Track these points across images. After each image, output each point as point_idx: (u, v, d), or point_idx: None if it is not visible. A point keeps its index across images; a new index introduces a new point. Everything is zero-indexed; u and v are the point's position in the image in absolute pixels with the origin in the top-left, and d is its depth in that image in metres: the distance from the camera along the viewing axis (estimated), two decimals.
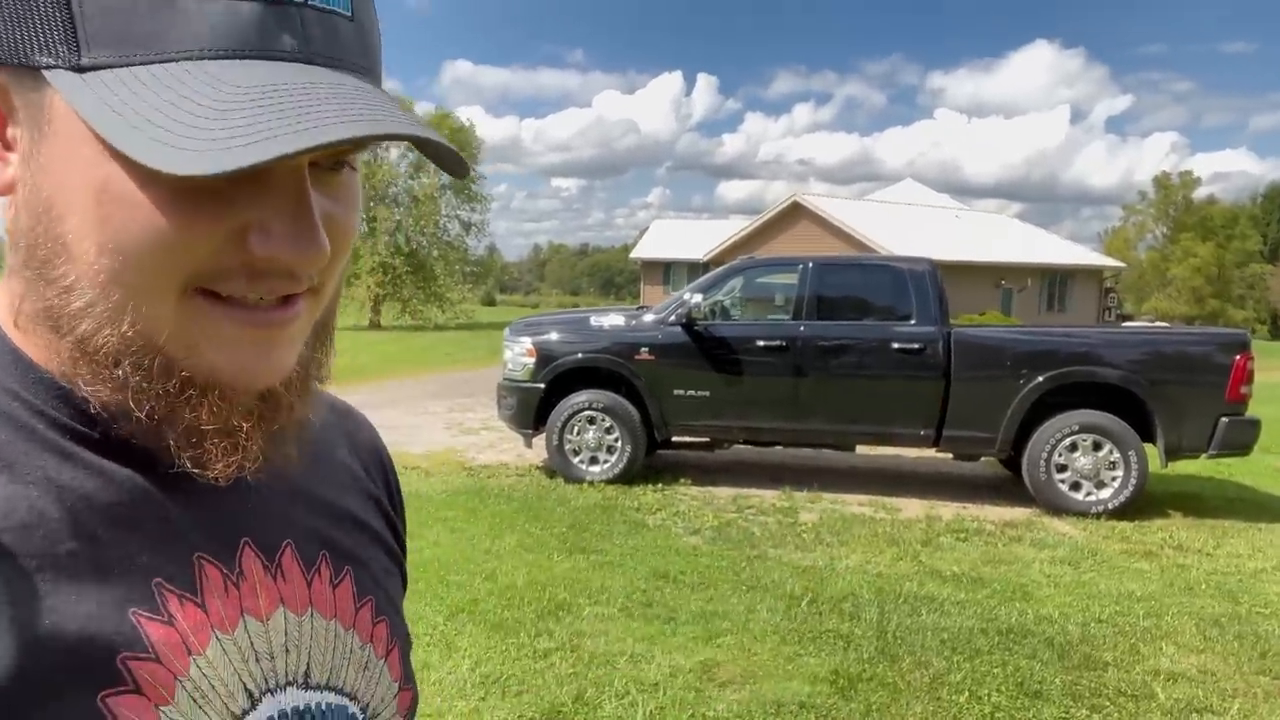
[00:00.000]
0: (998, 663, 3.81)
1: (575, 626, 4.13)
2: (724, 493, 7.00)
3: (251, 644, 0.50)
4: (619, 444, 7.06)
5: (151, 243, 0.42)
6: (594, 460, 7.12)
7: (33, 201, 0.44)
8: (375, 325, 31.20)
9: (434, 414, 11.14)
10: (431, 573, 4.81)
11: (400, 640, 0.61)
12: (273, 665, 0.51)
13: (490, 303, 68.20)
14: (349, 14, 0.45)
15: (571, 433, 7.11)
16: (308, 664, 0.53)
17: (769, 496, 6.92)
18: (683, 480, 7.27)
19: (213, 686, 0.47)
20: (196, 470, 0.46)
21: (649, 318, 7.30)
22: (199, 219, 0.42)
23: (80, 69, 0.41)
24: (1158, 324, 26.55)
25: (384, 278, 31.52)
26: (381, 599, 0.60)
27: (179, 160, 0.37)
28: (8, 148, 0.45)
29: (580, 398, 7.08)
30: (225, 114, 0.39)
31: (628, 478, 7.06)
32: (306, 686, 0.52)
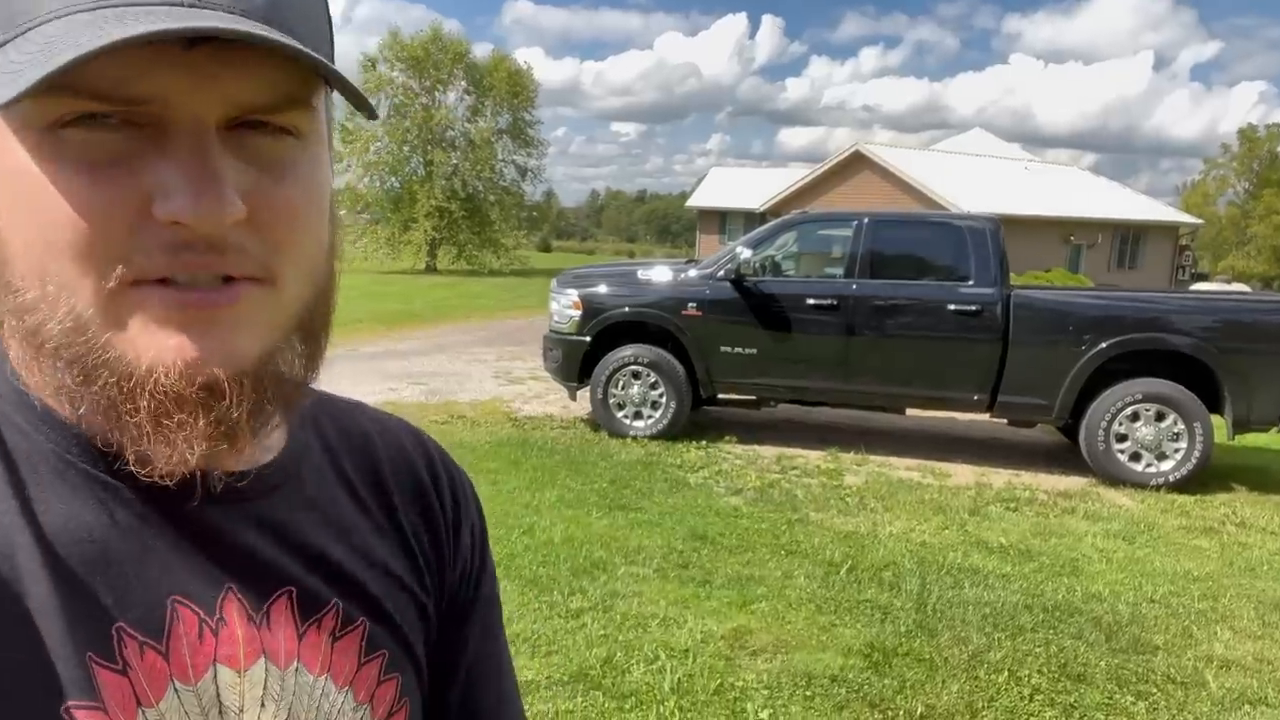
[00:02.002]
0: (1040, 642, 3.69)
1: (609, 586, 4.11)
2: (769, 452, 6.91)
3: (218, 695, 0.47)
4: (663, 400, 7.00)
5: (62, 221, 0.41)
6: (638, 415, 7.08)
7: None
8: (431, 269, 31.45)
9: (483, 362, 11.20)
10: None
11: (413, 699, 0.57)
12: (241, 719, 0.48)
13: (546, 249, 68.26)
14: None
15: (616, 387, 7.07)
16: None
17: (814, 457, 6.82)
18: (727, 438, 7.19)
19: None
20: (142, 470, 0.44)
21: (697, 272, 7.17)
22: (100, 188, 0.40)
23: None
24: (1233, 284, 25.48)
25: (440, 222, 31.67)
26: (399, 655, 0.56)
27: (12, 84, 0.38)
28: None
29: (625, 352, 7.01)
30: (54, 39, 0.38)
31: (671, 434, 7.00)
32: None
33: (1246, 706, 3.26)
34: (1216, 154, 62.54)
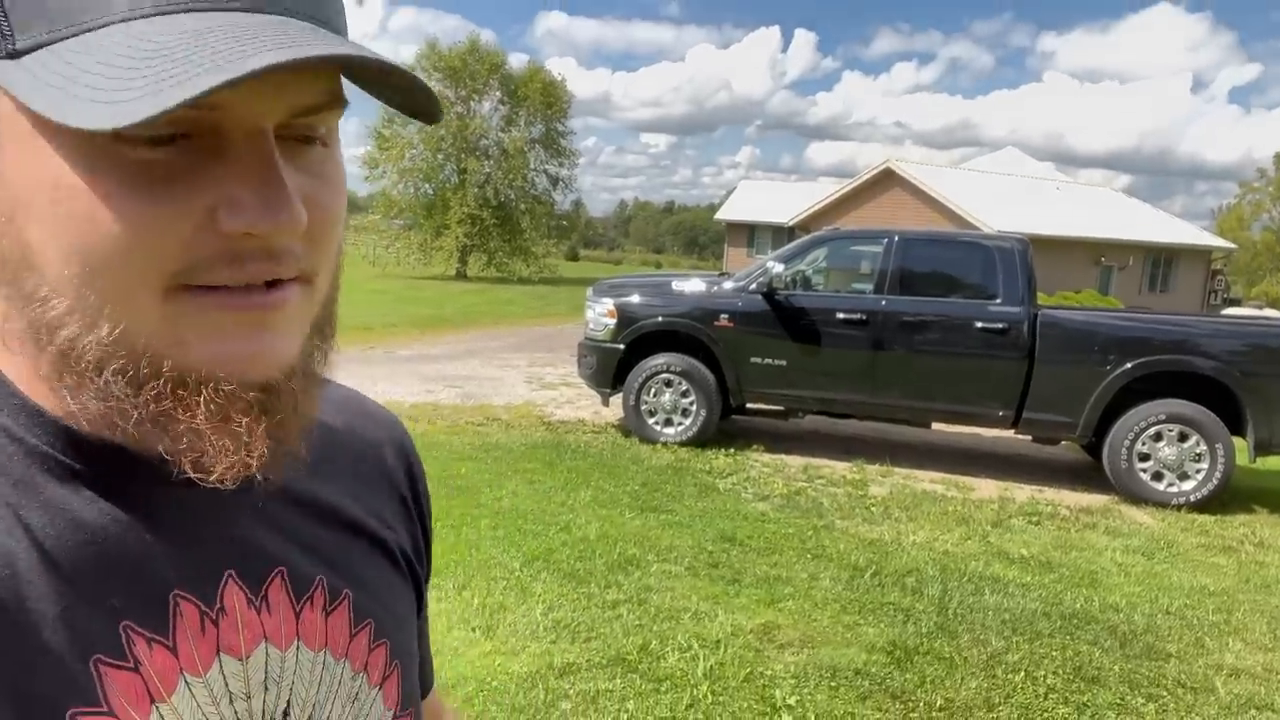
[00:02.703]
0: (1057, 646, 3.85)
1: (643, 581, 4.32)
2: (795, 461, 7.09)
3: (226, 685, 0.48)
4: (694, 407, 7.20)
5: (114, 240, 0.39)
6: (669, 422, 7.28)
7: None
8: (462, 276, 31.86)
9: (515, 367, 11.45)
10: (510, 521, 5.05)
11: (403, 660, 0.59)
12: (248, 705, 0.49)
13: (574, 258, 68.71)
14: None
15: (648, 394, 7.28)
16: (288, 701, 0.51)
17: (840, 468, 6.99)
18: (755, 447, 7.38)
19: None
20: (198, 475, 0.44)
21: (730, 285, 7.38)
22: (160, 207, 0.40)
23: (15, 54, 0.39)
24: (1265, 310, 25.27)
25: (472, 229, 32.08)
26: (384, 620, 0.57)
27: (96, 115, 0.35)
28: None
29: (658, 360, 7.22)
30: (153, 58, 0.36)
31: (701, 441, 7.20)
32: None
33: (1253, 711, 3.40)
34: (1252, 178, 61.81)
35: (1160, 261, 29.88)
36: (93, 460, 0.46)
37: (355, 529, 0.58)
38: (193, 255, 0.41)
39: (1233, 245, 35.01)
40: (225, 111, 0.40)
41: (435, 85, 33.42)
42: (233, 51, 0.36)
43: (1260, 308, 28.67)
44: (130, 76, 0.36)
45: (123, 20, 0.38)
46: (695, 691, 3.23)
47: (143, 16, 0.38)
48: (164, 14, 0.38)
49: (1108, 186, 41.70)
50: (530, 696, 3.12)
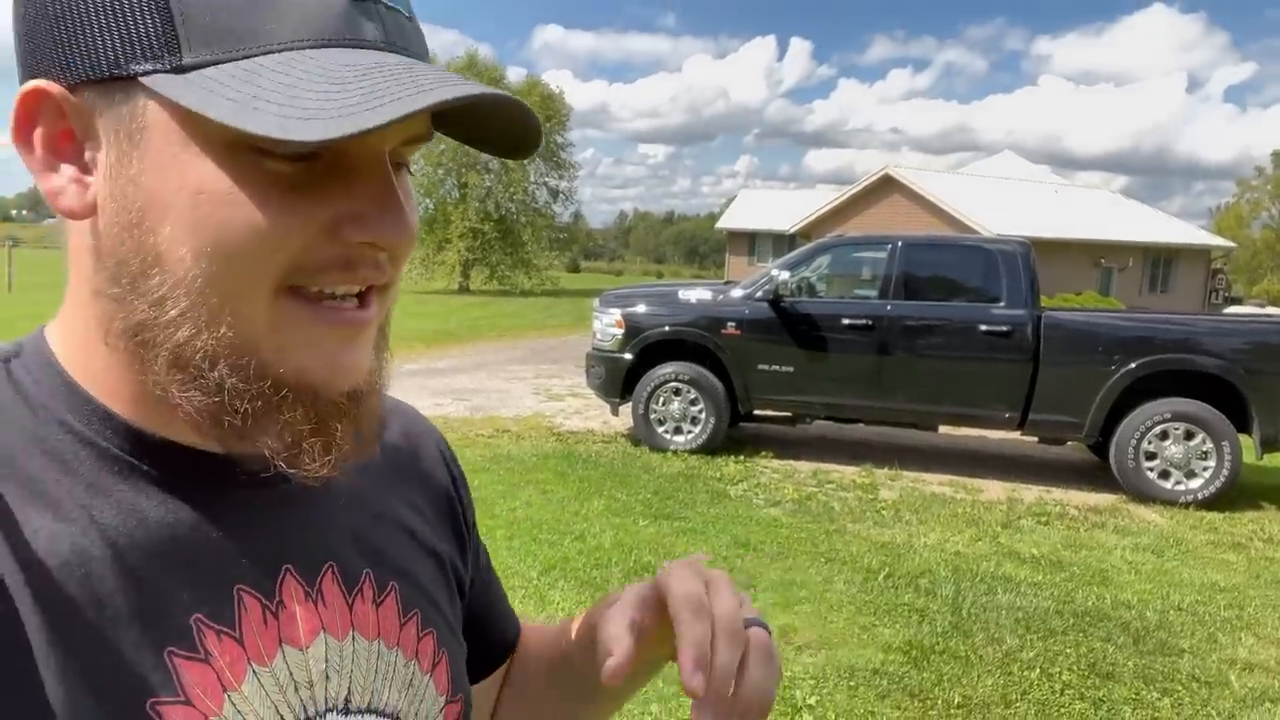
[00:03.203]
0: (1071, 643, 3.90)
1: None
2: (805, 467, 7.14)
3: (290, 674, 0.50)
4: (703, 415, 7.26)
5: (250, 241, 0.43)
6: (678, 430, 7.34)
7: (122, 216, 0.44)
8: (464, 289, 31.96)
9: (522, 379, 11.51)
10: (524, 531, 5.10)
11: (450, 648, 0.61)
12: (311, 694, 0.51)
13: (575, 269, 68.87)
14: (408, 14, 0.48)
15: (657, 403, 7.34)
16: (349, 689, 0.53)
17: (850, 472, 7.04)
18: (764, 453, 7.43)
19: None
20: (292, 471, 0.47)
21: (736, 293, 7.45)
22: (295, 214, 0.43)
23: (181, 69, 0.41)
24: (1266, 309, 25.32)
25: (473, 243, 32.20)
26: (429, 610, 0.60)
27: (312, 129, 0.39)
28: (86, 171, 0.45)
29: (666, 369, 7.28)
30: (342, 86, 0.40)
31: (710, 449, 7.26)
32: (346, 712, 0.53)
33: (1268, 704, 3.45)
34: (1250, 176, 61.93)
35: (1160, 262, 29.95)
36: (158, 461, 0.48)
37: (398, 525, 0.61)
38: (311, 258, 0.44)
39: (1231, 244, 35.09)
40: (359, 139, 0.42)
41: None
42: (404, 87, 0.41)
43: (1262, 306, 28.71)
44: (319, 98, 0.40)
45: (284, 50, 0.42)
46: None
47: (311, 47, 0.42)
48: (320, 47, 0.42)
49: (1105, 188, 41.83)
50: None
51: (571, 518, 5.45)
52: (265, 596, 0.50)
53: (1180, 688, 3.54)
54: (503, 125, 0.48)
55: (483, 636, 0.72)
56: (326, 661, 0.52)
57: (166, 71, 0.42)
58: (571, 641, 0.70)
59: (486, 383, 11.14)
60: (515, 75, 39.25)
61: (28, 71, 0.45)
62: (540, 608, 4.04)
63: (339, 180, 0.44)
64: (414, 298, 26.79)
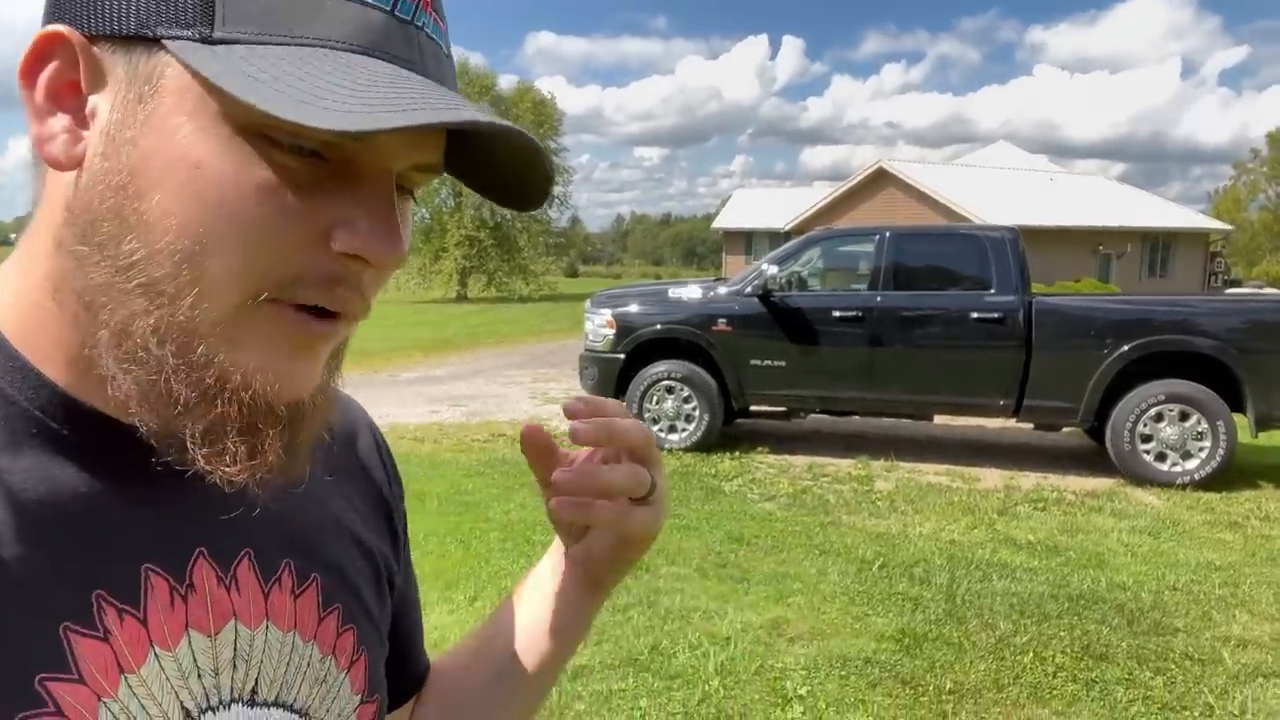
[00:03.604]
0: (1065, 627, 3.89)
1: (653, 584, 4.36)
2: (800, 461, 7.13)
3: (194, 660, 0.48)
4: (697, 413, 7.25)
5: (240, 227, 0.41)
6: (673, 428, 7.33)
7: (110, 176, 0.43)
8: (462, 298, 32.00)
9: (519, 384, 11.52)
10: (519, 533, 5.10)
11: (370, 647, 0.59)
12: (216, 682, 0.49)
13: (573, 274, 68.96)
14: (447, 52, 0.48)
15: (651, 402, 7.33)
16: (256, 680, 0.51)
17: (845, 465, 7.02)
18: (760, 449, 7.42)
19: (143, 707, 0.45)
20: (207, 469, 0.45)
21: (726, 289, 7.45)
22: (291, 210, 0.42)
23: (209, 41, 0.41)
24: (1265, 290, 25.28)
25: (470, 250, 32.25)
26: (352, 606, 0.58)
27: (330, 119, 0.38)
28: (82, 124, 0.44)
29: (659, 368, 7.28)
30: (367, 88, 0.40)
31: (705, 446, 7.25)
32: (252, 704, 0.51)
33: (1260, 679, 3.43)
34: (1246, 159, 61.86)
35: (1158, 247, 29.92)
36: (78, 429, 0.46)
37: (327, 517, 0.59)
38: (297, 268, 0.43)
39: (1229, 227, 35.05)
40: (366, 145, 0.43)
41: None
42: (432, 101, 0.41)
43: (1260, 287, 28.67)
44: (341, 93, 0.39)
45: (318, 46, 0.41)
46: (707, 686, 3.27)
47: (346, 50, 0.42)
48: (356, 53, 0.42)
49: (1103, 175, 41.80)
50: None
51: None
52: (175, 578, 0.48)
53: (1173, 666, 3.52)
54: (515, 173, 0.48)
55: (400, 667, 0.69)
56: (235, 650, 0.50)
57: (194, 40, 0.41)
58: (488, 627, 0.71)
59: (484, 388, 11.15)
60: (507, 82, 39.23)
61: (52, 16, 0.44)
62: None
63: (342, 187, 0.43)
64: (411, 307, 26.82)
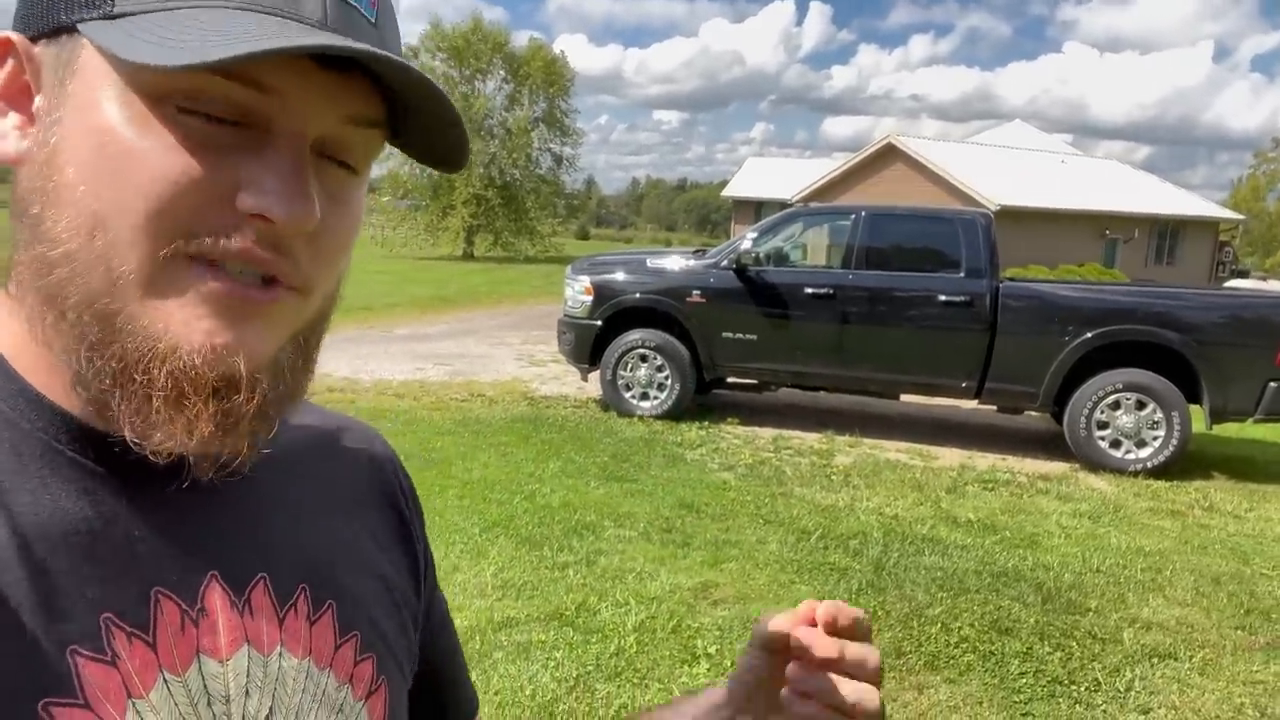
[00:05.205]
0: (979, 601, 4.06)
1: (595, 545, 4.54)
2: (766, 433, 7.29)
3: (205, 686, 0.47)
4: (669, 381, 7.41)
5: (145, 186, 0.42)
6: (645, 396, 7.50)
7: (38, 156, 0.45)
8: (469, 256, 32.09)
9: (508, 345, 11.68)
10: (476, 491, 5.29)
11: (391, 677, 0.58)
12: (227, 709, 0.48)
13: (584, 236, 68.85)
14: (372, 19, 0.47)
15: (625, 369, 7.49)
16: (270, 707, 0.50)
17: (810, 439, 7.18)
18: (730, 420, 7.58)
19: None
20: (137, 441, 0.44)
21: (701, 261, 7.57)
22: (197, 170, 0.42)
23: (111, 16, 0.43)
24: (1268, 282, 25.12)
25: (477, 209, 32.28)
26: (370, 635, 0.57)
27: (177, 56, 0.39)
28: (31, 121, 0.46)
29: (634, 336, 7.43)
30: (239, 33, 0.41)
31: (676, 414, 7.42)
32: None
33: (1155, 660, 3.60)
34: (1267, 148, 61.04)
35: (1167, 234, 29.71)
36: (85, 451, 0.47)
37: (346, 545, 0.59)
38: (203, 222, 0.43)
39: (1240, 216, 34.73)
40: (278, 100, 0.43)
41: (439, 65, 33.57)
42: (300, 34, 0.42)
43: (1264, 279, 28.49)
44: (217, 39, 0.40)
45: (223, 8, 0.43)
46: (623, 642, 3.46)
47: (242, 9, 0.43)
48: (263, 13, 0.43)
49: (1127, 158, 41.40)
50: (467, 648, 3.35)
51: (525, 478, 5.63)
52: (186, 602, 0.48)
53: (1074, 643, 3.70)
54: (439, 136, 0.49)
55: (437, 703, 0.69)
56: (248, 676, 0.49)
57: (100, 19, 0.43)
58: None
59: (472, 348, 11.31)
60: (523, 40, 38.96)
61: (13, 25, 0.47)
62: (475, 561, 4.22)
63: (255, 151, 0.44)
64: (417, 264, 26.96)
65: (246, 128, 0.44)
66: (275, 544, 0.53)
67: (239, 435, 0.46)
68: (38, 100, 0.46)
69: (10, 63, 0.47)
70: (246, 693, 0.49)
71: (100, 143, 0.43)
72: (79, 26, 0.43)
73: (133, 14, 0.42)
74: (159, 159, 0.42)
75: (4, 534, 0.43)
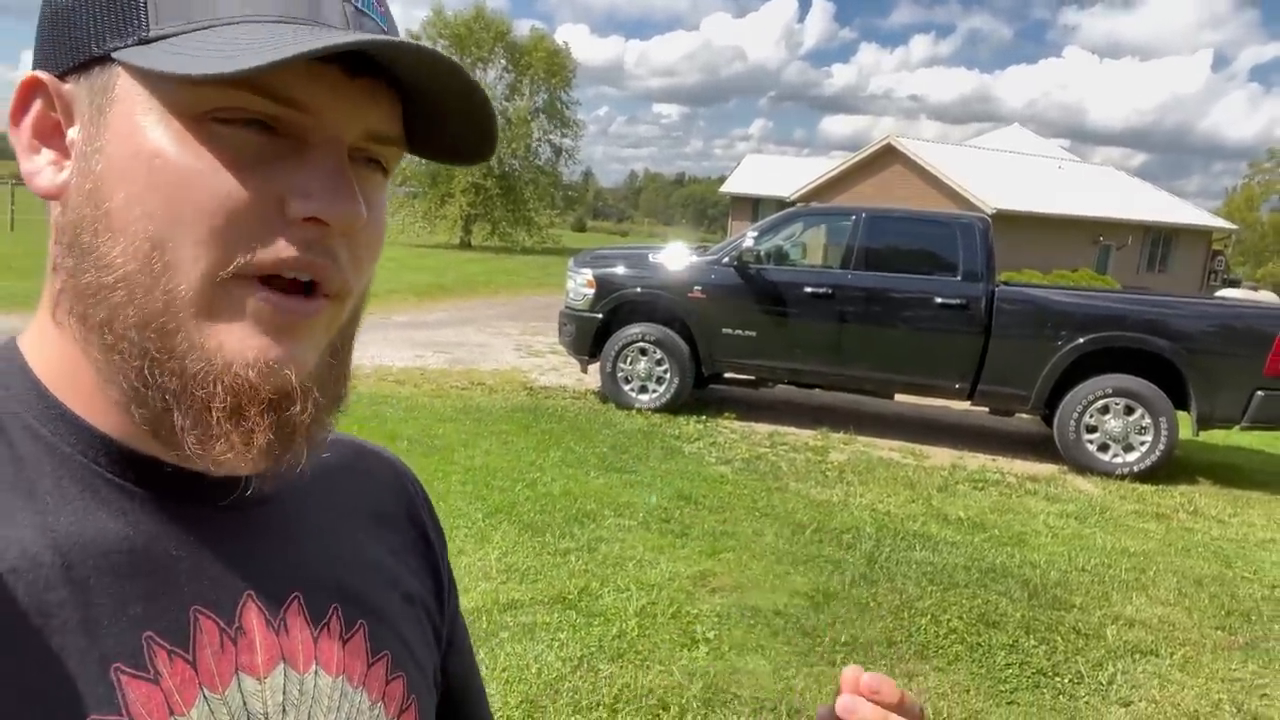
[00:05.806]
0: (968, 595, 4.19)
1: (596, 533, 4.66)
2: (763, 429, 7.42)
3: (244, 703, 0.48)
4: (668, 375, 7.52)
5: (197, 207, 0.43)
6: (643, 389, 7.61)
7: (84, 185, 0.45)
8: (466, 244, 32.11)
9: (507, 335, 11.78)
10: (479, 478, 5.39)
11: (421, 696, 0.59)
12: None
13: (581, 228, 68.84)
14: (384, 27, 0.49)
15: (624, 362, 7.60)
16: None
17: (805, 435, 7.31)
18: (726, 414, 7.70)
19: None
20: (199, 453, 0.46)
21: (703, 258, 7.68)
22: (246, 184, 0.44)
23: (147, 41, 0.44)
24: (1259, 292, 25.36)
25: (475, 198, 32.29)
26: (400, 654, 0.58)
27: (218, 66, 0.40)
28: (65, 155, 0.47)
29: (634, 329, 7.54)
30: (263, 37, 0.42)
31: (674, 408, 7.53)
32: None
33: (1136, 655, 3.74)
34: (1262, 158, 61.37)
35: (1159, 241, 29.95)
36: (125, 473, 0.48)
37: (374, 566, 0.60)
38: (256, 234, 0.44)
39: (1232, 225, 34.99)
40: (318, 118, 0.45)
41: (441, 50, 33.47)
42: (322, 37, 0.42)
43: (1255, 289, 28.75)
44: (248, 49, 0.41)
45: (246, 22, 0.44)
46: (624, 625, 3.58)
47: (270, 22, 0.44)
48: (281, 23, 0.45)
49: (1124, 164, 41.62)
50: (473, 628, 3.47)
51: (526, 466, 5.74)
52: (224, 620, 0.49)
53: (1059, 638, 3.83)
54: (466, 128, 0.50)
55: None
56: (285, 694, 0.50)
57: (135, 45, 0.44)
58: None
59: (471, 337, 11.41)
60: (524, 29, 38.88)
61: (35, 65, 0.49)
62: (479, 545, 4.33)
63: (296, 158, 0.45)
64: (414, 251, 26.96)
65: (284, 136, 0.45)
66: (307, 564, 0.55)
67: (296, 445, 0.48)
68: (71, 133, 0.47)
69: (39, 102, 0.48)
70: (283, 710, 0.50)
71: (151, 166, 0.44)
72: (114, 55, 0.45)
73: (169, 36, 0.44)
74: (211, 179, 0.43)
75: (47, 554, 0.44)
